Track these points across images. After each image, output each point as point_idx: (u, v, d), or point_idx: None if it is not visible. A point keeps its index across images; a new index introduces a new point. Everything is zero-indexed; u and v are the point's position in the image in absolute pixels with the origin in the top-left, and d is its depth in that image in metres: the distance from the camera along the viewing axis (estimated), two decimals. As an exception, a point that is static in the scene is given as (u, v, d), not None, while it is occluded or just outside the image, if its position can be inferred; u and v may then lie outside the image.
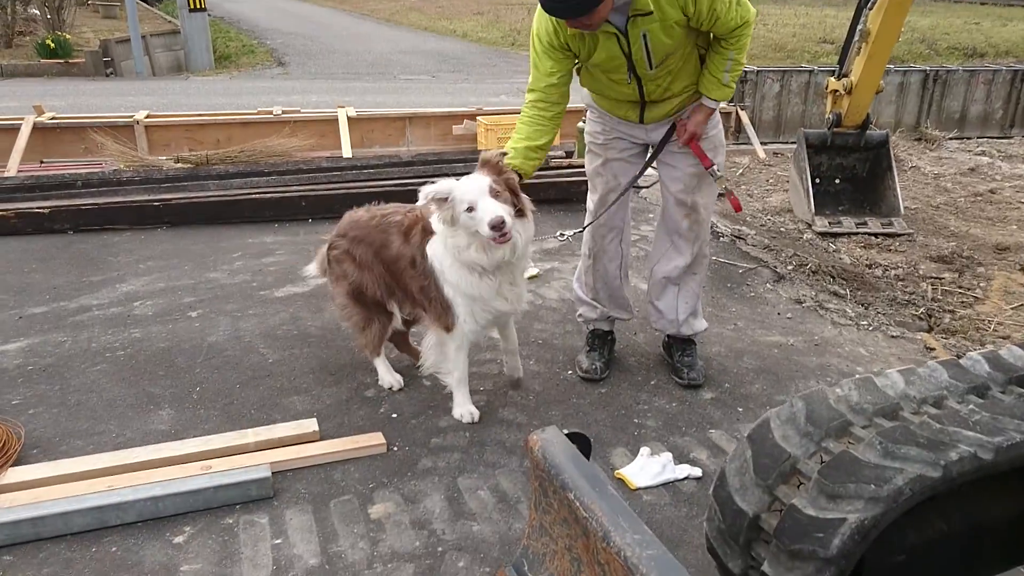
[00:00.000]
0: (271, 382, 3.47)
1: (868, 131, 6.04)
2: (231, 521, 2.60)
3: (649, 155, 3.42)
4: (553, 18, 2.91)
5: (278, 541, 2.51)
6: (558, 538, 1.78)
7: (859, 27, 5.65)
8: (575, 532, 1.68)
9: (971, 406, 1.98)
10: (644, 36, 2.88)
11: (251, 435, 2.96)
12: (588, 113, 3.45)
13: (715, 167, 3.26)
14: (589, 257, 3.59)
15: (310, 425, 3.03)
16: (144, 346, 3.78)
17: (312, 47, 18.05)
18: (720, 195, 3.51)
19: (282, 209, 5.64)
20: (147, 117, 7.19)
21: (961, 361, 2.20)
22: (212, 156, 6.76)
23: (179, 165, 6.54)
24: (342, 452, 2.92)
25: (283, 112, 7.61)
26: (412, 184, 5.84)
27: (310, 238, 5.30)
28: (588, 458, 1.87)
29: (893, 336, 4.12)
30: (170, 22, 16.49)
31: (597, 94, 3.30)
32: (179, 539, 2.52)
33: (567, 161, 6.25)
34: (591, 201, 3.54)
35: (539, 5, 2.90)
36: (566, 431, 1.85)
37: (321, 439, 3.00)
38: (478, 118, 7.52)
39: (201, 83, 13.01)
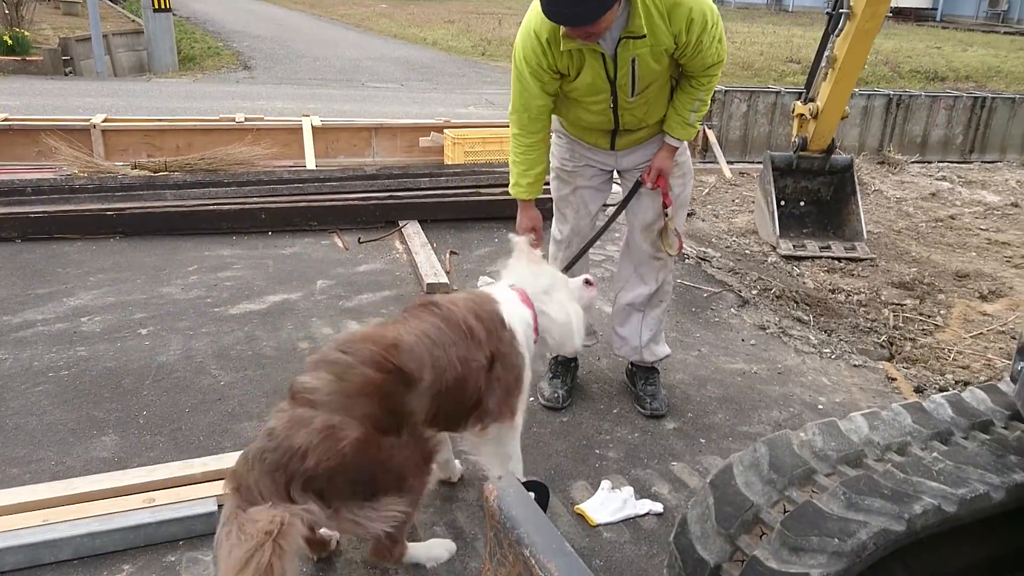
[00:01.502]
0: (222, 406, 3.35)
1: (833, 155, 6.08)
2: (173, 559, 2.49)
3: (616, 207, 3.42)
4: (542, 39, 2.84)
5: (222, 580, 2.40)
6: (512, 592, 1.71)
7: (826, 53, 5.70)
8: (530, 589, 1.61)
9: (935, 454, 1.95)
10: (633, 61, 2.84)
11: (198, 465, 2.84)
12: (555, 139, 3.39)
13: (667, 210, 3.24)
14: None
15: (260, 455, 2.91)
16: (90, 366, 3.63)
17: (279, 51, 17.83)
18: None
19: (240, 221, 5.50)
20: (104, 121, 6.99)
21: (924, 404, 2.17)
22: (171, 163, 6.60)
23: (136, 172, 6.36)
24: (293, 484, 2.81)
25: (246, 119, 7.46)
26: (376, 199, 5.82)
27: (269, 251, 5.18)
28: (546, 507, 1.80)
29: (855, 365, 4.12)
30: (134, 21, 16.16)
31: (569, 121, 3.24)
32: (116, 578, 2.40)
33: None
34: (559, 231, 3.48)
35: (528, 24, 2.85)
36: (524, 480, 1.78)
37: (272, 469, 2.89)
38: (445, 131, 7.45)
39: (163, 85, 12.75)
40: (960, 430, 2.09)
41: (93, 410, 3.28)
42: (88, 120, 6.96)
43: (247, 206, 5.58)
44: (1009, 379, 2.29)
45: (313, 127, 7.37)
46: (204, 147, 6.96)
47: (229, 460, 2.85)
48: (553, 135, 3.39)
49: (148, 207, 5.44)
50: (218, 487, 2.73)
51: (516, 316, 2.61)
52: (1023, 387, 1.94)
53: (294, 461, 2.00)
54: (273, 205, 5.64)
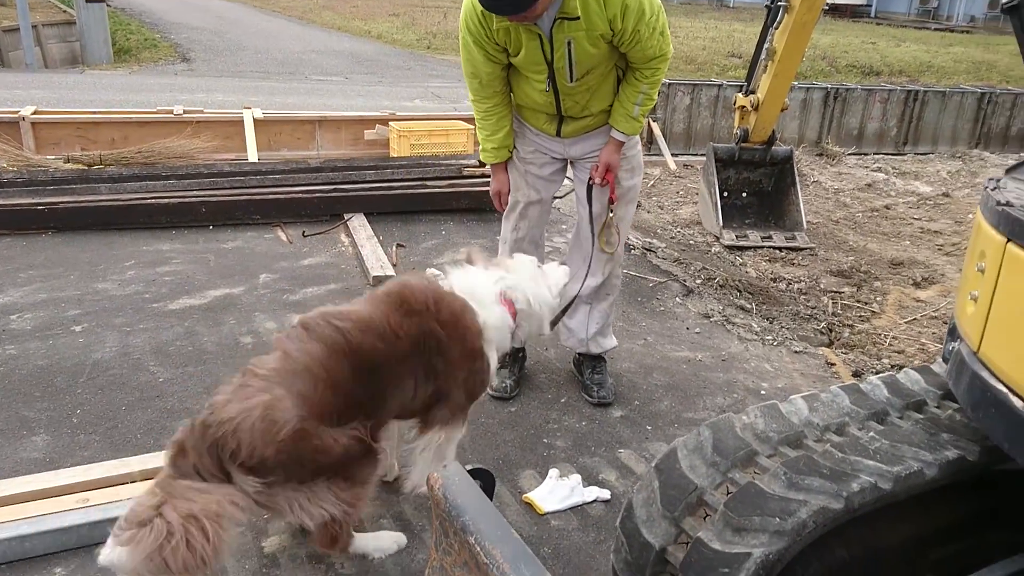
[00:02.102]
0: (161, 404, 3.26)
1: (774, 147, 6.20)
2: (109, 560, 2.40)
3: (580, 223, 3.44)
4: (478, 11, 2.83)
5: (161, 581, 2.33)
6: (459, 581, 1.70)
7: (765, 46, 5.80)
8: (476, 577, 1.60)
9: (871, 433, 2.00)
10: (569, 44, 2.83)
11: (135, 463, 2.76)
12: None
13: (612, 206, 3.27)
14: None
15: (201, 452, 2.84)
16: (19, 364, 3.49)
17: (219, 43, 17.43)
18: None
19: (180, 215, 5.36)
20: (34, 113, 6.72)
21: (861, 386, 2.23)
22: (106, 157, 6.39)
23: (69, 166, 6.14)
24: (235, 481, 2.74)
25: (184, 111, 7.26)
26: (320, 192, 5.73)
27: (210, 246, 5.06)
28: (492, 495, 1.80)
29: (796, 351, 4.21)
30: (65, 12, 15.58)
31: (518, 99, 3.24)
32: (49, 582, 2.31)
33: (480, 171, 6.17)
34: (509, 222, 3.46)
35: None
36: (469, 467, 1.76)
37: (213, 466, 2.82)
38: (391, 123, 7.37)
39: (98, 77, 12.34)
40: (895, 410, 2.14)
41: (23, 410, 3.15)
42: (17, 112, 6.69)
43: (187, 200, 5.44)
44: (941, 360, 2.36)
45: (255, 119, 7.20)
46: (141, 140, 6.76)
47: (168, 458, 2.79)
48: None
49: (82, 201, 5.26)
50: (157, 486, 2.66)
51: (491, 319, 2.55)
52: (953, 367, 1.99)
53: (230, 440, 1.95)
54: (214, 199, 5.51)
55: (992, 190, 1.90)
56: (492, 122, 3.21)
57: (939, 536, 2.07)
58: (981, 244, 1.86)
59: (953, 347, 2.07)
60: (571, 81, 2.96)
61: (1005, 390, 1.68)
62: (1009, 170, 2.05)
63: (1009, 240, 1.69)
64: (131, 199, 5.37)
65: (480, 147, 3.37)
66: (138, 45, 15.88)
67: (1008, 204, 1.75)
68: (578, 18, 2.76)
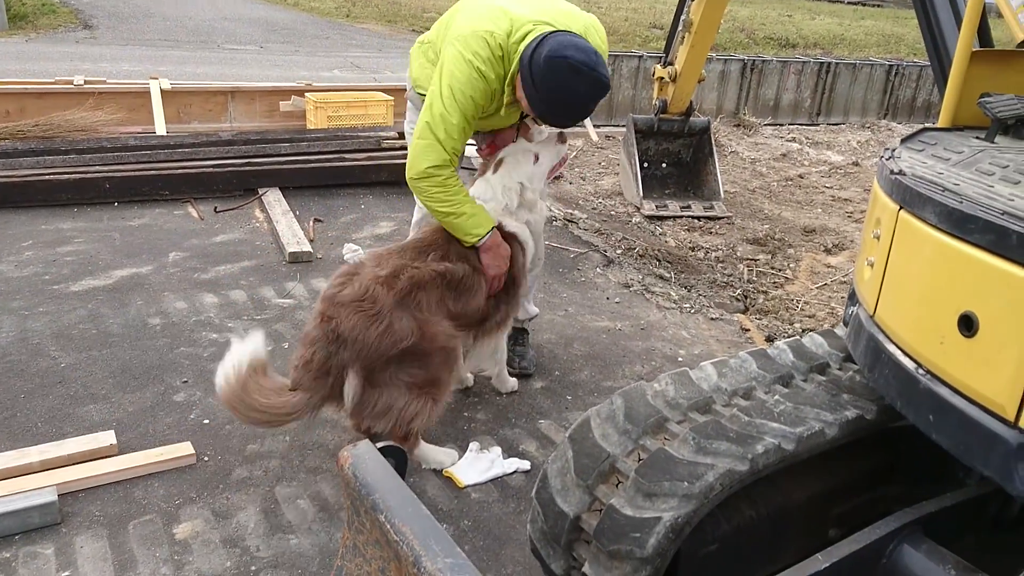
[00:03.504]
0: (63, 390, 3.11)
1: (692, 118, 6.29)
2: (8, 555, 2.30)
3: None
4: (492, 86, 2.74)
5: (66, 573, 2.24)
6: (372, 560, 1.68)
7: (683, 17, 5.85)
8: (388, 555, 1.58)
9: (776, 396, 2.05)
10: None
11: (35, 453, 2.63)
12: (414, 117, 3.23)
13: None
14: None
15: (106, 438, 2.73)
16: (-94, 353, 3.29)
17: (124, 9, 16.59)
18: None
19: (82, 192, 5.10)
20: (-82, 84, 6.29)
21: (768, 351, 2.29)
22: (0, 130, 6.02)
23: (-42, 140, 5.76)
24: (144, 467, 2.66)
25: (86, 82, 6.89)
26: (233, 165, 5.53)
27: (115, 224, 4.84)
28: (404, 472, 1.78)
29: (713, 318, 4.31)
30: (-48, -26, 14.56)
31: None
32: (-58, 581, 2.20)
33: (400, 143, 6.07)
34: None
35: (472, 66, 2.68)
36: (380, 445, 1.74)
37: (120, 453, 2.72)
38: (307, 94, 7.16)
39: (-9, 45, 11.60)
40: (800, 373, 2.21)
41: (-90, 401, 2.97)
42: (-102, 82, 6.24)
43: (89, 175, 5.18)
44: (843, 324, 2.45)
45: (162, 90, 6.89)
46: (38, 112, 6.37)
47: (71, 446, 2.68)
48: (410, 104, 3.34)
49: (-27, 178, 4.95)
50: (59, 475, 2.56)
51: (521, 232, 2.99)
52: (852, 330, 2.06)
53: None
54: (119, 174, 5.26)
55: (887, 159, 1.96)
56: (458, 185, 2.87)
57: (841, 492, 2.16)
58: (877, 212, 1.92)
59: (852, 311, 2.14)
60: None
61: (897, 351, 1.75)
62: (904, 140, 2.12)
63: (901, 208, 1.75)
64: (28, 175, 5.08)
65: (470, 230, 2.80)
66: (35, 11, 14.94)
67: (901, 173, 1.81)
68: None
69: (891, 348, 1.77)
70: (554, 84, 2.59)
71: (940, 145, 1.98)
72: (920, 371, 1.66)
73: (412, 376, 2.57)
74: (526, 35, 2.68)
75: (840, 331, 2.43)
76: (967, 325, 1.51)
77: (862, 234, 2.07)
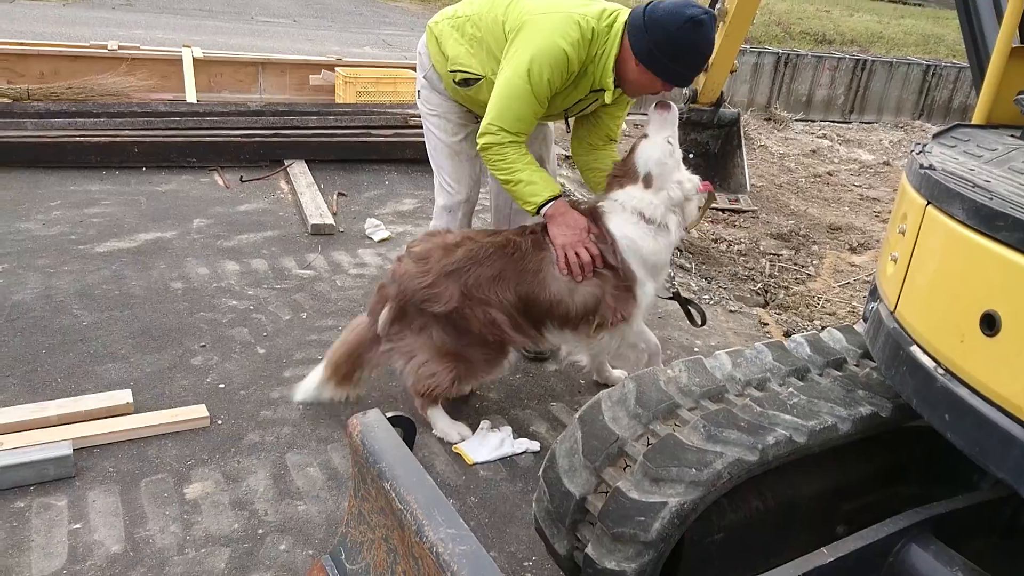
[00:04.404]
0: (83, 347, 3.16)
1: (722, 109, 6.21)
2: (23, 504, 2.34)
3: None
4: (571, 64, 2.71)
5: (76, 526, 2.28)
6: (376, 527, 1.69)
7: (717, 6, 5.77)
8: (391, 523, 1.59)
9: (791, 389, 2.03)
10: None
11: (53, 407, 2.68)
12: (436, 99, 3.27)
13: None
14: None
15: (123, 396, 2.77)
16: (-67, 304, 3.35)
17: (162, -22, 16.65)
18: None
19: (111, 155, 5.15)
20: (-45, 42, 6.37)
21: (785, 344, 2.26)
22: (34, 91, 6.09)
23: (-8, 99, 5.85)
24: (159, 427, 2.69)
25: (120, 47, 6.95)
26: (260, 136, 5.56)
27: (142, 188, 4.89)
28: (412, 443, 1.78)
29: (731, 311, 4.28)
30: (-6, -64, 14.68)
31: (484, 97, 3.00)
32: (-43, 526, 2.24)
33: (427, 120, 6.06)
34: (449, 188, 3.32)
35: (557, 47, 2.67)
36: (390, 415, 1.74)
37: (136, 412, 2.75)
38: (337, 69, 7.17)
39: (29, 8, 11.72)
40: (816, 367, 2.19)
41: (-65, 351, 3.03)
42: (-64, 40, 6.33)
43: (119, 139, 5.23)
44: (863, 320, 2.41)
45: (194, 59, 6.94)
46: (72, 75, 6.45)
47: (88, 403, 2.72)
48: (423, 90, 3.38)
49: (6, 136, 5.01)
50: (75, 430, 2.60)
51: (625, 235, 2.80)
52: (871, 326, 2.03)
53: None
54: (148, 139, 5.31)
55: (917, 154, 1.92)
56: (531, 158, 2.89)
57: (851, 489, 2.14)
58: (904, 207, 1.88)
59: (873, 307, 2.11)
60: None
61: (916, 348, 1.72)
62: (936, 135, 2.08)
63: (929, 203, 1.72)
64: (59, 136, 5.14)
65: (527, 198, 2.82)
66: (74, -24, 15.08)
67: (931, 167, 1.77)
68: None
69: (910, 345, 1.74)
70: (677, 34, 2.59)
71: (973, 142, 1.94)
72: (938, 369, 1.63)
73: (440, 340, 2.70)
74: (616, 18, 2.72)
75: (859, 327, 2.40)
76: (989, 324, 1.49)
77: (887, 230, 2.04)
